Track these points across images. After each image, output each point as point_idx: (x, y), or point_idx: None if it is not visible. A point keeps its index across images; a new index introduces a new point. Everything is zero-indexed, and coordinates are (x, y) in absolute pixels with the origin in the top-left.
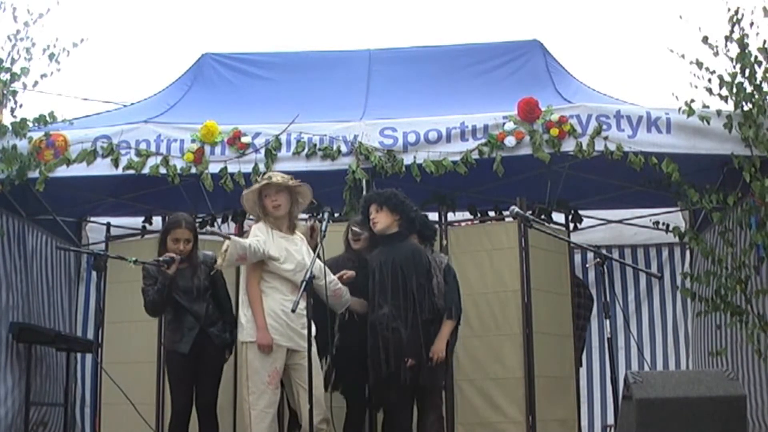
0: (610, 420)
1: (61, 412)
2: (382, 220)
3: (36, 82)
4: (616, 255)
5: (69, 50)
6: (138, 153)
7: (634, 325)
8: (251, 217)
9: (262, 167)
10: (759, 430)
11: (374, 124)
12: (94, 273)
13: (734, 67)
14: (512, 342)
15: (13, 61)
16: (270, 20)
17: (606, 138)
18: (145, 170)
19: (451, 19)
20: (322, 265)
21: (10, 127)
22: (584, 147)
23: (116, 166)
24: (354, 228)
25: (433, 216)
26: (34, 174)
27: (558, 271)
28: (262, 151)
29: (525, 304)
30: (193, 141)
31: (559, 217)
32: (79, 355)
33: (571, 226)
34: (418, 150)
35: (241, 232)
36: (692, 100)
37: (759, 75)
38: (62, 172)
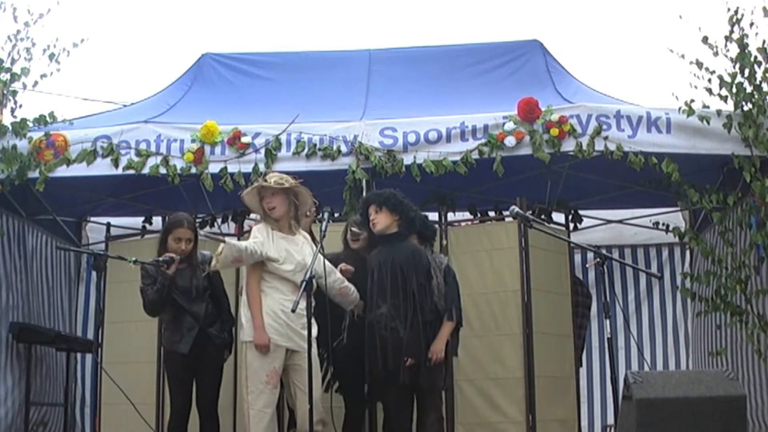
0: (610, 420)
1: (61, 412)
2: (381, 221)
3: (36, 83)
4: (616, 255)
5: (69, 50)
6: (138, 153)
7: (634, 325)
8: (252, 216)
9: (262, 167)
10: (759, 430)
11: (374, 124)
12: (94, 273)
13: (734, 67)
14: (512, 342)
15: (13, 62)
16: (270, 20)
17: (606, 138)
18: (145, 170)
19: (451, 19)
20: (328, 264)
21: (10, 127)
22: (584, 147)
23: (116, 166)
24: (353, 229)
25: (433, 216)
26: (34, 174)
27: (558, 271)
28: (262, 151)
29: (525, 304)
30: (193, 141)
31: (559, 217)
32: (79, 355)
33: (571, 226)
34: (418, 150)
35: (241, 232)
36: (692, 100)
37: (759, 75)
38: (62, 172)
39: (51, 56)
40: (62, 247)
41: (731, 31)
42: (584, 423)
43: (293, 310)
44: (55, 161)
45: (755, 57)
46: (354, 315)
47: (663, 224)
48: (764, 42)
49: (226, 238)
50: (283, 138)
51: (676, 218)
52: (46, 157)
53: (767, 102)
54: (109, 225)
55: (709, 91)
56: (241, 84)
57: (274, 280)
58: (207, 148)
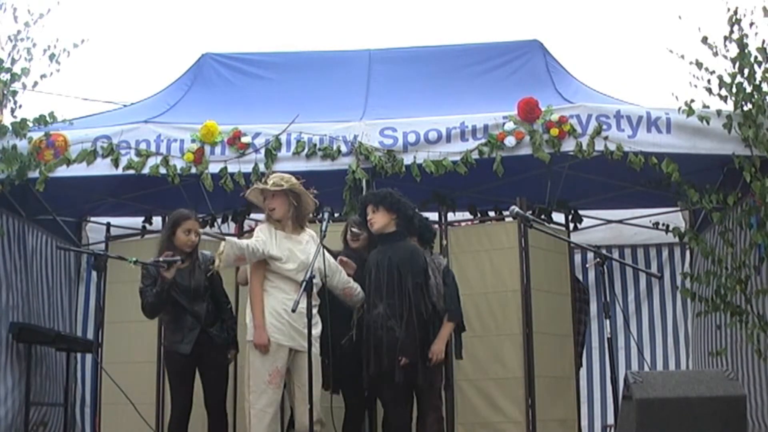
0: (610, 420)
1: (61, 412)
2: (378, 220)
3: (36, 83)
4: (616, 255)
5: (69, 51)
6: (138, 153)
7: (634, 325)
8: (253, 216)
9: (262, 167)
10: (759, 430)
11: (374, 124)
12: (94, 273)
13: (734, 67)
14: (512, 342)
15: (13, 62)
16: (270, 20)
17: (606, 138)
18: (145, 170)
19: (451, 19)
20: (334, 263)
21: (10, 127)
22: (584, 147)
23: (116, 166)
24: (353, 229)
25: (433, 216)
26: (34, 174)
27: (558, 271)
28: (262, 151)
29: (525, 304)
30: (193, 141)
31: (559, 217)
32: (79, 355)
33: (571, 226)
34: (418, 150)
35: (241, 232)
36: (692, 100)
37: (759, 75)
38: (62, 172)
39: (51, 56)
40: (62, 247)
41: (731, 31)
42: (584, 423)
43: (293, 310)
44: (55, 161)
45: (755, 57)
46: (361, 312)
47: (663, 224)
48: (764, 42)
49: (228, 237)
50: (283, 138)
51: (676, 218)
52: (46, 157)
53: (767, 102)
54: (109, 225)
55: (709, 91)
56: (241, 84)
57: (277, 280)
58: (207, 148)
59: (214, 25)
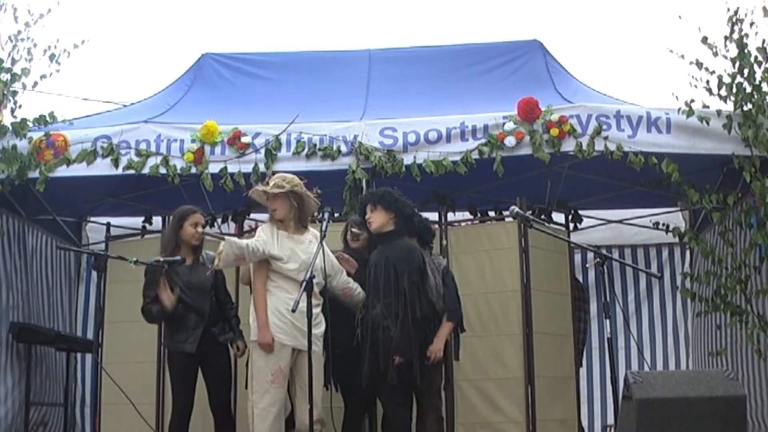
0: (610, 420)
1: (61, 412)
2: (376, 220)
3: (36, 83)
4: (616, 255)
5: (69, 51)
6: (138, 153)
7: (634, 325)
8: (253, 216)
9: (262, 167)
10: (759, 430)
11: (374, 124)
12: (94, 273)
13: (734, 67)
14: (512, 342)
15: (13, 62)
16: (270, 20)
17: (606, 138)
18: (145, 170)
19: (451, 19)
20: (336, 264)
21: (10, 127)
22: (584, 147)
23: (116, 166)
24: (353, 230)
25: (433, 216)
26: (34, 174)
27: (558, 271)
28: (262, 151)
29: (525, 304)
30: (193, 141)
31: (559, 217)
32: (79, 355)
33: (571, 226)
34: (418, 150)
35: (241, 232)
36: (692, 101)
37: (758, 75)
38: (62, 172)
39: (51, 57)
40: (62, 247)
41: (731, 31)
42: (584, 423)
43: (293, 310)
44: (55, 161)
45: (755, 57)
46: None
47: (663, 224)
48: (764, 42)
49: (227, 236)
50: (283, 138)
51: (676, 218)
52: (46, 157)
53: (767, 102)
54: (109, 225)
55: (709, 91)
56: (241, 84)
57: (279, 280)
58: (207, 148)
59: (214, 25)
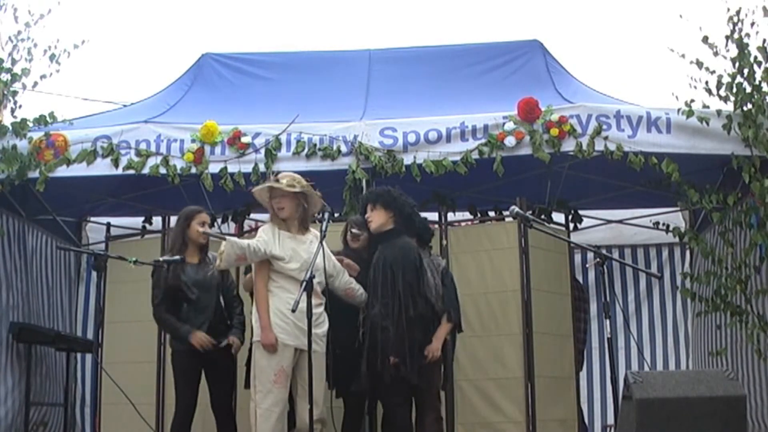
0: (610, 420)
1: (61, 412)
2: (375, 219)
3: (36, 83)
4: (616, 255)
5: (69, 51)
6: (138, 153)
7: (634, 325)
8: (253, 216)
9: (262, 167)
10: (759, 430)
11: (374, 124)
12: (94, 273)
13: (734, 66)
14: (512, 342)
15: (13, 62)
16: (270, 20)
17: (606, 138)
18: (145, 170)
19: (451, 19)
20: (338, 264)
21: (10, 127)
22: (584, 147)
23: (116, 166)
24: (354, 230)
25: (433, 216)
26: (34, 174)
27: (558, 271)
28: (262, 151)
29: (525, 304)
30: (193, 141)
31: (559, 217)
32: (79, 355)
33: (571, 226)
34: (418, 150)
35: (241, 232)
36: (692, 101)
37: (758, 75)
38: (62, 172)
39: (51, 57)
40: (62, 247)
41: (732, 31)
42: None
43: (293, 310)
44: (55, 161)
45: (755, 57)
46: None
47: (663, 224)
48: (764, 41)
49: (228, 237)
50: (283, 138)
51: (676, 218)
52: (46, 157)
53: (767, 102)
54: (109, 225)
55: (709, 91)
56: (241, 84)
57: (281, 280)
58: (207, 148)
59: (214, 25)
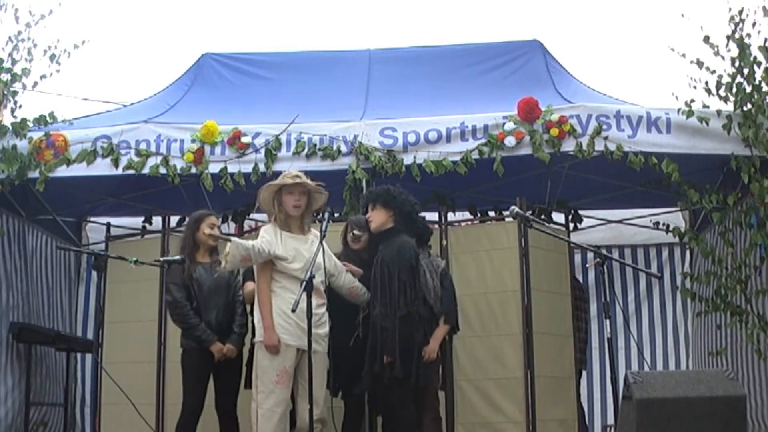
0: (610, 420)
1: (61, 412)
2: (376, 218)
3: (36, 83)
4: (616, 255)
5: (70, 51)
6: (138, 153)
7: (634, 325)
8: (253, 216)
9: (262, 167)
10: (759, 430)
11: (374, 124)
12: (94, 273)
13: (733, 66)
14: (512, 342)
15: (13, 62)
16: (270, 20)
17: (606, 138)
18: (145, 170)
19: (451, 19)
20: (339, 263)
21: (10, 127)
22: (584, 147)
23: (116, 166)
24: (355, 232)
25: (433, 216)
26: (34, 174)
27: (558, 271)
28: (262, 151)
29: (525, 304)
30: (193, 141)
31: (559, 217)
32: (79, 355)
33: (571, 226)
34: (418, 150)
35: (241, 232)
36: (692, 101)
37: (759, 75)
38: (62, 172)
39: (51, 57)
40: (62, 247)
41: (733, 31)
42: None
43: (293, 310)
44: (55, 161)
45: (755, 57)
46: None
47: (663, 224)
48: (766, 41)
49: (233, 238)
50: (283, 138)
51: (676, 218)
52: (46, 157)
53: (767, 102)
54: (109, 225)
55: (709, 91)
56: (241, 84)
57: (283, 280)
58: (207, 148)
59: (214, 25)
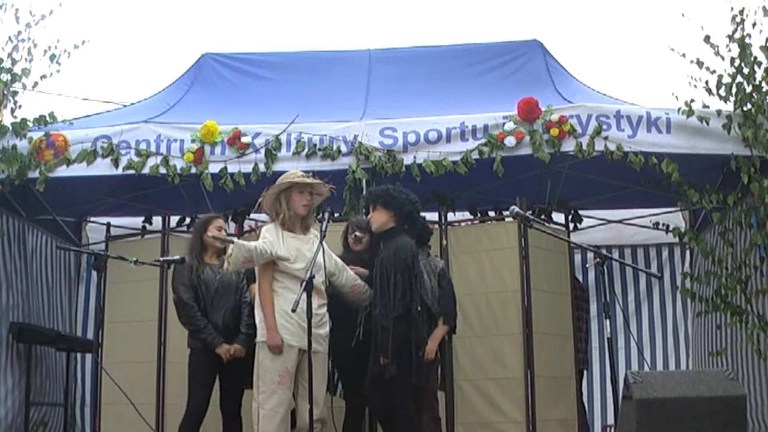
0: (610, 420)
1: (61, 412)
2: (376, 219)
3: (36, 83)
4: (616, 255)
5: (70, 51)
6: (138, 153)
7: (634, 325)
8: (253, 216)
9: (262, 167)
10: (759, 430)
11: (374, 124)
12: (94, 273)
13: (732, 65)
14: (512, 342)
15: (13, 62)
16: (270, 20)
17: (606, 138)
18: (145, 170)
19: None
20: (340, 261)
21: (11, 128)
22: (584, 147)
23: (116, 166)
24: (357, 233)
25: (433, 216)
26: (34, 174)
27: (558, 271)
28: (262, 151)
29: (525, 304)
30: (193, 141)
31: (559, 217)
32: (79, 355)
33: (571, 226)
34: (418, 150)
35: (241, 232)
36: (692, 100)
37: (759, 75)
38: (62, 172)
39: (52, 57)
40: (62, 247)
41: (734, 31)
42: None
43: (293, 310)
44: (55, 161)
45: (755, 57)
46: (367, 309)
47: (663, 224)
48: (766, 41)
49: (235, 239)
50: (283, 138)
51: (676, 218)
52: (46, 157)
53: (767, 102)
54: (109, 225)
55: (709, 91)
56: (241, 84)
57: (285, 280)
58: (207, 148)
59: (214, 25)
